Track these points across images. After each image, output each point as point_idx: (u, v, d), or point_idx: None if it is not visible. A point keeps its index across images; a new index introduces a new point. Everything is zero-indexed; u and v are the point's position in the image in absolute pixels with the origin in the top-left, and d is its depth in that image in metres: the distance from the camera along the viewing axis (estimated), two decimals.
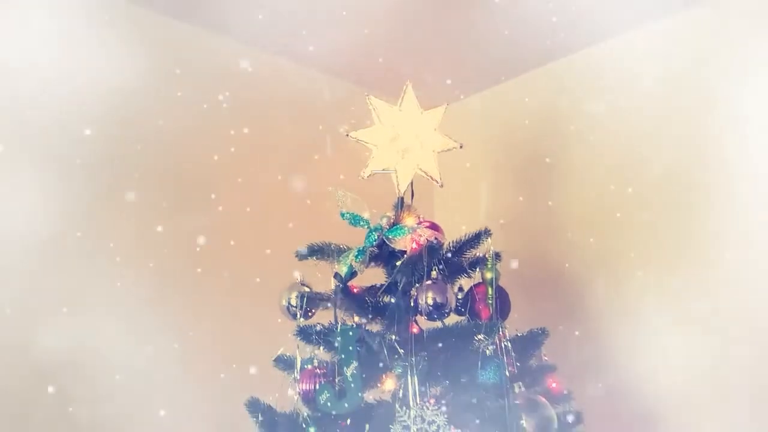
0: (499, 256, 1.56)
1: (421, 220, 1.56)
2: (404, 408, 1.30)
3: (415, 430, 1.28)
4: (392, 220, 1.55)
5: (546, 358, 1.53)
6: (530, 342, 1.50)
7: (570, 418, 1.44)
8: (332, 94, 2.35)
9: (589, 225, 2.10)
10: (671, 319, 1.87)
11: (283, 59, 2.31)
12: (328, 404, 1.39)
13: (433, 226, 1.54)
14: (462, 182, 2.20)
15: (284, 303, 1.58)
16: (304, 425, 1.42)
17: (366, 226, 1.54)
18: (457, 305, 1.49)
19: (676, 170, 1.93)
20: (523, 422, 1.34)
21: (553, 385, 1.47)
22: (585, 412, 1.52)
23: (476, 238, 1.54)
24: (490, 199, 2.32)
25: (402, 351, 1.38)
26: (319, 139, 2.26)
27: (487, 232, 1.53)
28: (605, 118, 2.10)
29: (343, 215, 1.55)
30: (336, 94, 2.36)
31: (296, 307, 1.56)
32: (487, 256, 1.54)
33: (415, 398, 1.31)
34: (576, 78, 2.21)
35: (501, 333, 1.42)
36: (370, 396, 1.48)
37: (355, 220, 1.55)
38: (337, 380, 1.42)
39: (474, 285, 1.56)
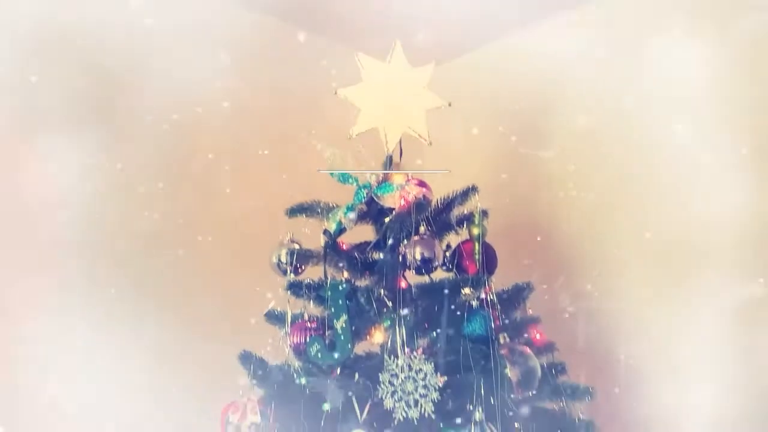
0: (486, 213, 1.59)
1: (410, 178, 1.58)
2: (392, 357, 1.34)
3: (402, 378, 1.33)
4: (381, 178, 1.57)
5: (530, 311, 1.58)
6: (515, 296, 1.55)
7: (553, 369, 1.49)
8: (318, 53, 2.33)
9: (583, 181, 2.11)
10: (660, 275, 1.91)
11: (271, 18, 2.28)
12: (319, 356, 1.44)
13: (421, 184, 1.56)
14: (451, 141, 2.20)
15: (275, 260, 1.61)
16: (295, 376, 1.47)
17: (354, 184, 1.56)
18: (444, 261, 1.53)
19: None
20: (508, 371, 1.39)
21: (537, 336, 1.52)
22: (568, 362, 1.57)
23: (464, 195, 1.56)
24: (478, 156, 2.34)
25: (390, 304, 1.41)
26: (307, 97, 2.25)
27: (474, 189, 1.56)
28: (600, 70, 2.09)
29: (332, 174, 1.57)
30: (322, 52, 2.34)
31: (286, 263, 1.59)
32: (474, 213, 1.57)
33: (403, 348, 1.35)
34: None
35: (487, 287, 1.46)
36: (359, 348, 1.53)
37: (343, 177, 1.57)
38: (327, 333, 1.46)
39: (461, 242, 1.60)
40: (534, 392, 1.40)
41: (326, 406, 1.38)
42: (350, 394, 1.33)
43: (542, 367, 1.46)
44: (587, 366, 1.62)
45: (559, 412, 1.49)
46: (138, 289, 1.89)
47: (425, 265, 1.42)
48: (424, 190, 1.55)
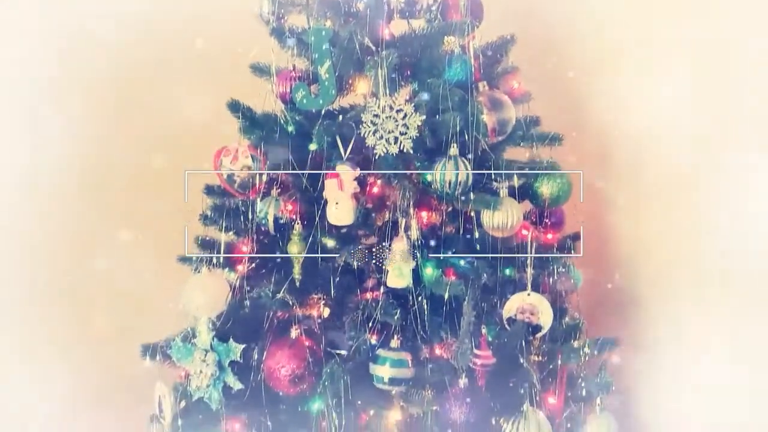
0: None
1: None
2: (374, 99, 1.40)
3: (384, 117, 1.40)
4: None
5: (512, 63, 1.61)
6: (499, 48, 1.56)
7: (528, 119, 1.57)
8: None
9: None
10: None
11: None
12: (304, 101, 1.49)
13: None
14: None
15: (257, 10, 1.58)
16: (282, 123, 1.54)
17: None
18: (429, 9, 1.51)
19: None
20: (484, 117, 1.46)
21: (516, 86, 1.57)
22: (543, 117, 1.65)
23: None
24: None
25: (374, 48, 1.43)
26: None
27: None
28: None
29: None
30: None
31: (269, 13, 1.56)
32: None
33: (386, 91, 1.40)
34: None
35: (470, 34, 1.47)
36: (344, 102, 1.58)
37: None
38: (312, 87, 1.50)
39: None
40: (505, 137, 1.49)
41: (312, 146, 1.48)
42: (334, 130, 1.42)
43: (518, 117, 1.54)
44: (562, 121, 1.69)
45: None
46: None
47: (409, 8, 1.41)
48: None
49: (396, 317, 1.35)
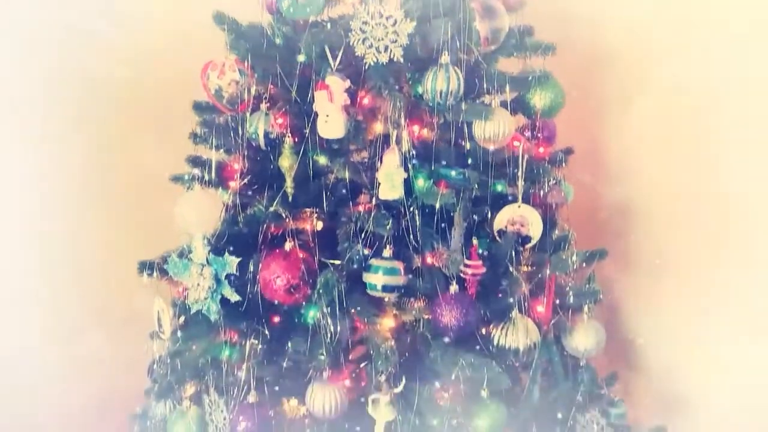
0: None
1: None
2: (363, 5, 1.36)
3: (373, 25, 1.36)
4: None
5: None
6: None
7: (521, 27, 1.53)
8: None
9: None
10: None
11: None
12: (291, 10, 1.45)
13: None
14: None
15: None
16: (269, 35, 1.50)
17: None
18: None
19: None
20: (477, 25, 1.43)
21: None
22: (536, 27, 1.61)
23: None
24: None
25: None
26: None
27: None
28: None
29: None
30: None
31: None
32: None
33: None
34: None
35: None
36: (332, 11, 1.54)
37: None
38: None
39: None
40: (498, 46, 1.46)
41: (301, 58, 1.45)
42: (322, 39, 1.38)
43: (511, 26, 1.50)
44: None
45: None
46: None
47: None
48: None
49: (388, 227, 1.37)
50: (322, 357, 1.36)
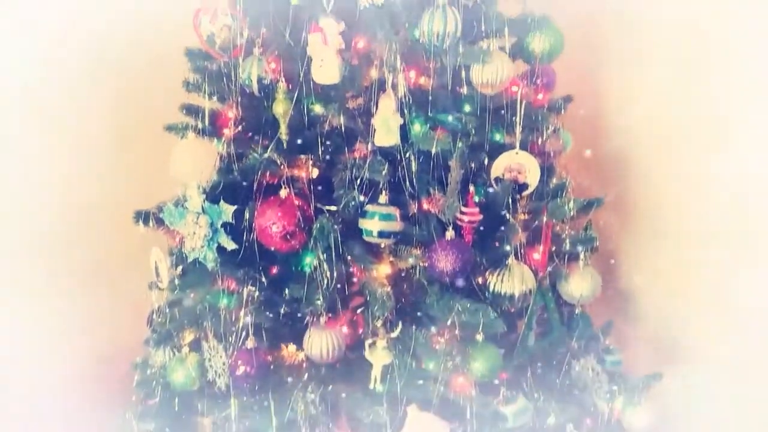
0: None
1: None
2: None
3: None
4: None
5: None
6: None
7: None
8: None
9: None
10: None
11: None
12: None
13: None
14: None
15: None
16: None
17: None
18: None
19: None
20: None
21: None
22: None
23: None
24: None
25: None
26: None
27: None
28: None
29: None
30: None
31: None
32: None
33: None
34: None
35: None
36: None
37: None
38: None
39: None
40: None
41: (294, 0, 1.41)
42: None
43: None
44: None
45: None
46: None
47: None
48: None
49: (384, 173, 1.36)
50: (319, 302, 1.37)
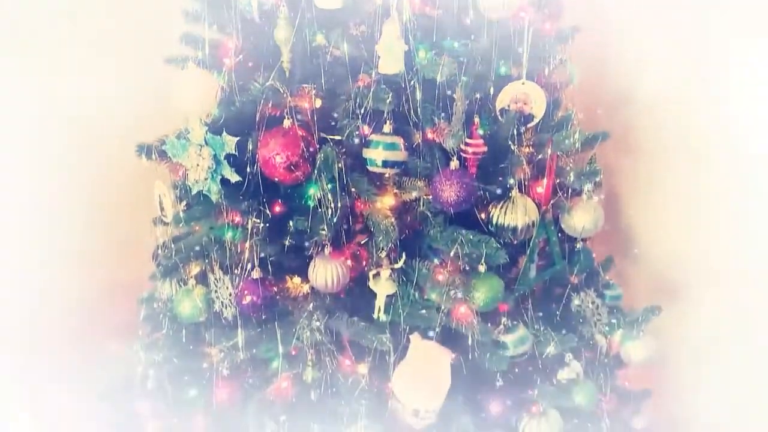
0: None
1: None
2: None
3: None
4: None
5: None
6: None
7: None
8: None
9: None
10: None
11: None
12: None
13: None
14: None
15: None
16: None
17: None
18: None
19: None
20: None
21: None
22: None
23: None
24: None
25: None
26: None
27: None
28: None
29: None
30: None
31: None
32: None
33: None
34: None
35: None
36: None
37: None
38: None
39: None
40: None
41: None
42: None
43: None
44: None
45: None
46: None
47: None
48: None
49: (388, 101, 1.34)
50: (323, 232, 1.38)
